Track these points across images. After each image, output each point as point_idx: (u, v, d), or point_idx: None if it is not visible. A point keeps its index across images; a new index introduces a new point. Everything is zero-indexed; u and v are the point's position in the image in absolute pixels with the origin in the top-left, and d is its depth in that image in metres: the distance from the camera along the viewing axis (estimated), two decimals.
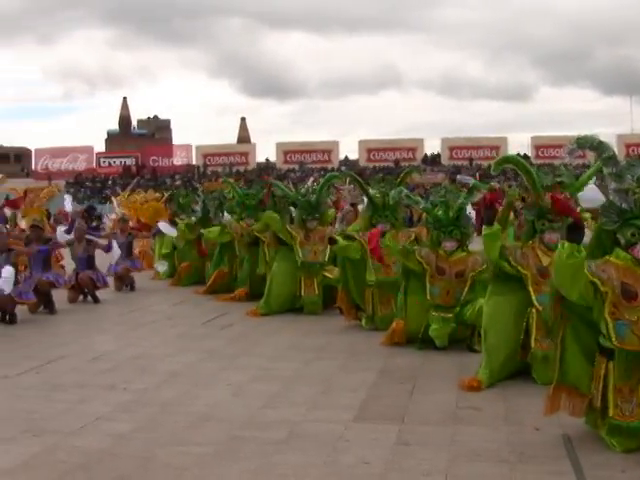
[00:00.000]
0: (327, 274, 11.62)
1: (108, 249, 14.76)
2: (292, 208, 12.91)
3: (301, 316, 11.73)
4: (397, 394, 7.11)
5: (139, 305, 13.64)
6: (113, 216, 23.15)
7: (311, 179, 19.77)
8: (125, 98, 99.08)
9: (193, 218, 16.48)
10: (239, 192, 14.68)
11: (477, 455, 5.38)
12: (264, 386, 7.46)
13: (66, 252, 15.16)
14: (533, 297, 7.31)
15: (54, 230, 16.41)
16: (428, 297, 8.88)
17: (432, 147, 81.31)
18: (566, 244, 5.58)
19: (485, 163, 74.00)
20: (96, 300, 13.68)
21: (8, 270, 11.08)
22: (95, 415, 6.50)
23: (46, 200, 20.21)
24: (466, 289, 8.84)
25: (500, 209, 8.54)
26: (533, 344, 7.25)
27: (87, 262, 13.97)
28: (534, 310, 7.29)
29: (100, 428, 6.17)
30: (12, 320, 11.32)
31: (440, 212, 9.10)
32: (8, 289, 11.00)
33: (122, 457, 5.47)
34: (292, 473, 5.09)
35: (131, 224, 17.65)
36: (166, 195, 22.05)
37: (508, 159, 7.98)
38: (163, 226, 16.76)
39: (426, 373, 7.94)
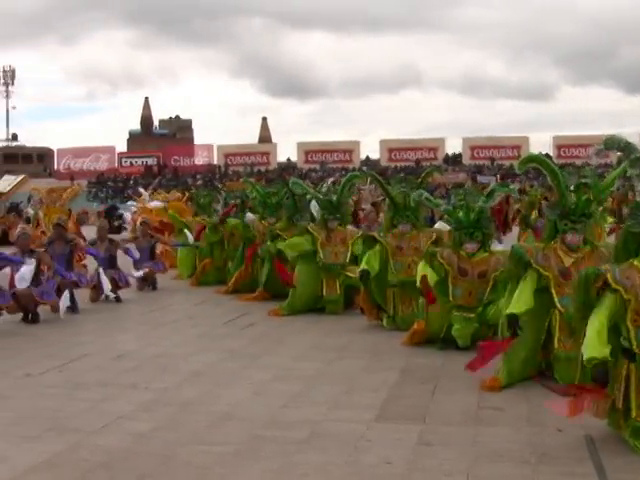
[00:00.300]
0: (349, 274, 11.60)
1: (127, 251, 14.87)
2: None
3: (323, 316, 11.72)
4: (419, 394, 7.10)
5: (161, 304, 13.68)
6: (133, 209, 23.24)
7: (331, 179, 19.71)
8: (147, 98, 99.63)
9: (215, 218, 16.48)
10: (260, 191, 14.70)
11: (499, 456, 5.36)
12: (285, 386, 7.47)
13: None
14: (555, 299, 7.25)
15: (78, 229, 16.53)
16: (450, 298, 8.86)
17: (453, 147, 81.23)
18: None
19: (507, 163, 73.91)
20: (118, 300, 13.73)
21: (28, 267, 11.18)
22: (117, 414, 6.53)
23: (69, 200, 20.34)
24: (488, 289, 8.82)
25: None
26: (556, 344, 7.22)
27: (109, 262, 14.03)
28: (557, 311, 7.25)
29: (122, 427, 6.19)
30: (35, 319, 11.38)
31: (461, 214, 9.08)
32: (22, 286, 11.07)
33: (144, 456, 5.49)
34: (313, 473, 5.09)
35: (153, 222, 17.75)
36: (187, 195, 22.17)
37: (533, 158, 7.93)
38: (190, 236, 16.89)
39: (448, 373, 7.92)
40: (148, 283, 15.52)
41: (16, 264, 11.17)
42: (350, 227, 12.58)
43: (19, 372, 8.17)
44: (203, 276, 16.16)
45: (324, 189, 12.97)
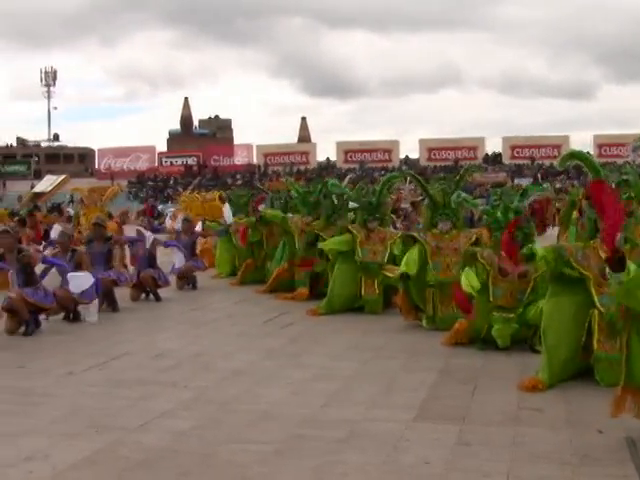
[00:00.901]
0: (388, 274, 11.58)
1: (167, 245, 15.00)
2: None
3: (361, 316, 11.72)
4: (458, 394, 7.07)
5: (201, 303, 13.75)
6: (172, 209, 23.40)
7: (347, 178, 19.52)
8: (187, 98, 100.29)
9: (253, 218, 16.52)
10: (300, 190, 14.74)
11: (538, 457, 5.32)
12: (324, 385, 7.47)
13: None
14: (595, 299, 7.19)
15: (119, 228, 16.64)
16: (491, 298, 8.82)
17: (493, 146, 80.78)
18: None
19: (547, 162, 73.41)
20: (158, 298, 13.81)
21: (88, 277, 11.43)
22: (157, 412, 6.57)
23: (109, 200, 20.48)
24: (529, 290, 8.77)
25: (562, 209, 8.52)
26: (596, 346, 7.16)
27: (148, 260, 14.12)
28: (596, 311, 7.19)
29: (162, 425, 6.23)
30: (76, 318, 11.49)
31: (499, 214, 9.04)
32: (77, 290, 11.23)
33: (183, 454, 5.52)
34: (352, 472, 5.09)
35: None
36: (223, 195, 22.28)
37: (574, 154, 7.84)
38: (226, 210, 17.00)
39: (487, 373, 7.89)
40: (188, 282, 15.61)
41: (61, 268, 11.27)
42: (390, 228, 12.53)
43: (61, 370, 8.25)
44: (245, 276, 16.20)
45: (363, 191, 12.92)
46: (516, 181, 50.69)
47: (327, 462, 5.28)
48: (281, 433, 5.95)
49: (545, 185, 11.87)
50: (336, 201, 13.50)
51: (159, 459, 5.41)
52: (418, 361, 8.55)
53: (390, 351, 9.13)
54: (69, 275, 11.20)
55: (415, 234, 10.72)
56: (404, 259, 10.39)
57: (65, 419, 6.43)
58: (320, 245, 12.60)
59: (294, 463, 5.28)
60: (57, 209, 24.36)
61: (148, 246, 14.17)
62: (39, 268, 11.14)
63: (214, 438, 5.85)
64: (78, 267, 11.75)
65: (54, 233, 15.84)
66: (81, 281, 11.28)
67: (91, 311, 11.53)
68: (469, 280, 8.87)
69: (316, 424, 6.19)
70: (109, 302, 12.54)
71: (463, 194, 10.57)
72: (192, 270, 15.64)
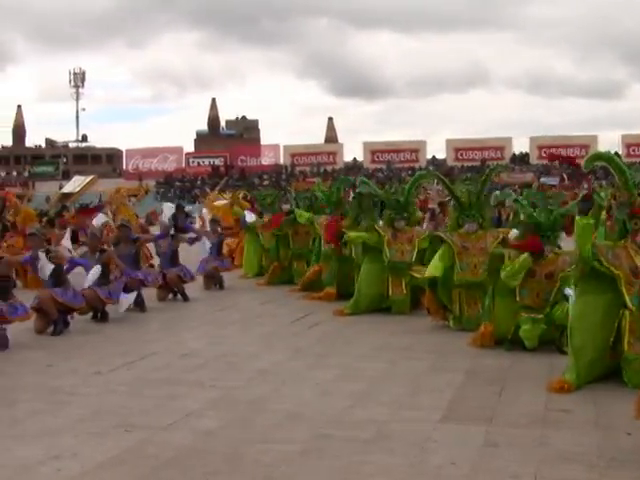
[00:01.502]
0: (415, 274, 11.56)
1: (192, 241, 15.07)
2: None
3: (388, 316, 11.71)
4: (485, 395, 7.05)
5: (228, 303, 13.77)
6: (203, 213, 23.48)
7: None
8: (214, 99, 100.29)
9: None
10: (324, 192, 14.76)
11: (566, 459, 5.30)
12: (351, 385, 7.47)
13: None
14: (626, 298, 7.13)
15: (143, 230, 16.74)
16: (517, 298, 8.80)
17: (520, 146, 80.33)
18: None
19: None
20: (186, 298, 13.87)
21: (96, 269, 11.45)
22: (184, 411, 6.59)
23: (138, 201, 20.55)
24: (555, 290, 8.74)
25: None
26: (626, 347, 7.11)
27: (172, 257, 14.19)
28: (627, 312, 7.13)
29: (189, 424, 6.25)
30: (104, 318, 11.56)
31: (542, 217, 9.02)
32: (86, 285, 11.36)
33: (211, 453, 5.53)
34: (379, 473, 5.09)
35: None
36: (248, 195, 22.38)
37: (600, 156, 7.79)
38: (249, 215, 17.07)
39: (514, 374, 7.86)
40: (215, 282, 15.65)
41: (86, 268, 11.34)
42: (417, 227, 12.47)
43: (89, 370, 8.30)
44: (273, 277, 16.22)
45: (392, 190, 12.90)
46: (542, 180, 50.34)
47: (353, 462, 5.28)
48: (307, 433, 5.95)
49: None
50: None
51: (186, 458, 5.44)
52: (445, 362, 8.54)
53: (417, 352, 9.11)
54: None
55: (442, 234, 10.69)
56: (431, 263, 10.38)
57: (93, 418, 6.47)
58: (346, 237, 12.58)
59: (320, 463, 5.28)
60: (86, 210, 24.46)
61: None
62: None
63: (241, 438, 5.87)
64: (106, 267, 11.82)
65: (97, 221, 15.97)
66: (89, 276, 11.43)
67: (122, 302, 11.68)
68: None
69: (342, 424, 6.19)
70: (136, 302, 12.59)
71: (514, 195, 10.54)
72: (218, 270, 15.68)
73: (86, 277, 11.35)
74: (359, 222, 13.17)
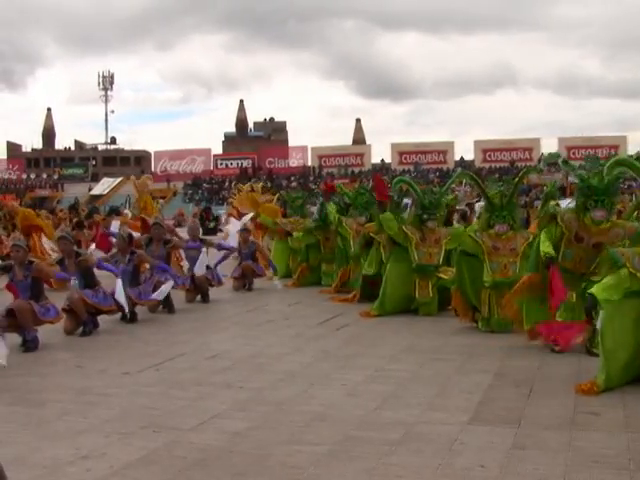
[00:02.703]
0: (442, 275, 11.53)
1: (220, 247, 15.15)
2: None
3: (416, 317, 11.69)
4: (513, 397, 7.02)
5: (255, 305, 13.80)
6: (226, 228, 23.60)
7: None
8: (242, 101, 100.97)
9: (312, 221, 16.48)
10: (349, 194, 14.75)
11: (595, 462, 5.26)
12: (379, 387, 7.46)
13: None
14: None
15: (170, 230, 16.84)
16: (559, 259, 8.72)
17: (549, 147, 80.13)
18: None
19: (604, 162, 72.61)
20: (205, 300, 13.94)
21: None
22: (212, 412, 6.61)
23: (166, 204, 20.63)
24: (597, 260, 8.58)
25: None
26: None
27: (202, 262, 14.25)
28: None
29: (217, 425, 6.26)
30: (132, 319, 11.61)
31: (595, 180, 8.71)
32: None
33: (238, 454, 5.54)
34: (407, 474, 5.08)
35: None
36: (277, 196, 22.45)
37: (620, 162, 7.73)
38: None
39: (543, 376, 7.81)
40: (244, 283, 15.69)
41: (114, 274, 11.39)
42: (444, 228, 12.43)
43: (117, 370, 8.35)
44: (301, 279, 16.26)
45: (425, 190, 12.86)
46: (570, 179, 50.10)
47: (381, 464, 5.27)
48: (335, 435, 5.95)
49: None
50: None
51: (214, 459, 5.45)
52: (473, 363, 8.50)
53: (445, 353, 9.09)
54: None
55: (472, 234, 10.66)
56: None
57: (121, 419, 6.50)
58: (376, 225, 12.63)
59: (348, 465, 5.27)
60: (115, 211, 24.63)
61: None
62: None
63: (269, 439, 5.87)
64: (138, 269, 11.89)
65: (113, 227, 16.09)
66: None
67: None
68: (544, 247, 8.76)
69: (371, 426, 6.18)
70: (165, 304, 12.65)
71: (563, 157, 10.47)
72: (250, 270, 15.73)
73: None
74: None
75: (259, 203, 19.93)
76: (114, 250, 12.78)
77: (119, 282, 11.01)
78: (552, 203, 9.54)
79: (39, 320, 9.82)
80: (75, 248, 11.32)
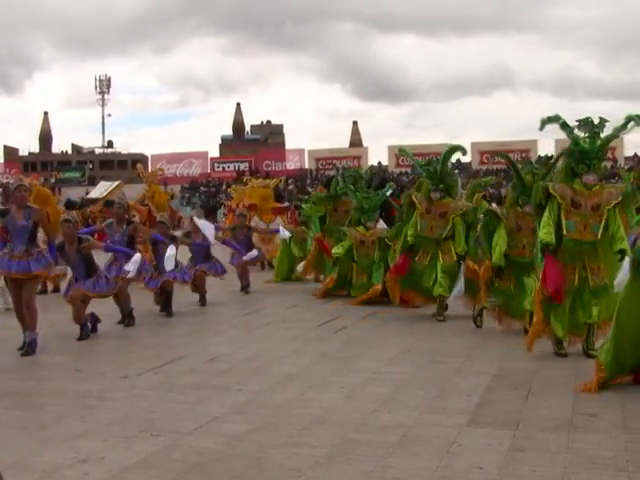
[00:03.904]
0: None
1: (224, 243, 15.35)
2: None
3: (415, 319, 11.72)
4: (511, 399, 7.02)
5: (253, 308, 13.81)
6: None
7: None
8: (239, 104, 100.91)
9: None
10: (358, 196, 14.74)
11: (594, 463, 5.26)
12: (378, 389, 7.47)
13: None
14: None
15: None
16: (564, 232, 8.64)
17: (546, 148, 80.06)
18: None
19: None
20: (203, 303, 13.97)
21: (137, 256, 11.64)
22: (211, 416, 6.61)
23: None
24: (602, 223, 8.54)
25: None
26: None
27: (204, 253, 14.40)
28: None
29: (215, 429, 6.26)
30: (130, 323, 11.63)
31: (587, 144, 8.69)
32: (133, 272, 11.46)
33: (237, 458, 5.54)
34: (405, 477, 5.08)
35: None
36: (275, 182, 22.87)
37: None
38: (282, 232, 17.20)
39: (541, 378, 7.82)
40: (242, 286, 15.73)
41: (124, 255, 11.35)
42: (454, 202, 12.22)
43: (116, 374, 8.34)
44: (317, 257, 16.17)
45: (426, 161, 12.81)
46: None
47: (380, 467, 5.27)
48: (334, 437, 5.95)
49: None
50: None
51: (213, 462, 5.45)
52: (472, 365, 8.51)
53: (443, 355, 9.10)
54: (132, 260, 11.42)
55: (498, 211, 10.61)
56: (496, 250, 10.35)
57: (120, 422, 6.49)
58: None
59: (346, 467, 5.28)
60: (111, 204, 24.87)
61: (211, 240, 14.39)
62: None
63: (267, 442, 5.87)
64: (132, 239, 11.86)
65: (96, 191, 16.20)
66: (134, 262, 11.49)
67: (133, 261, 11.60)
68: (542, 232, 8.63)
69: (369, 428, 6.19)
70: (164, 307, 12.65)
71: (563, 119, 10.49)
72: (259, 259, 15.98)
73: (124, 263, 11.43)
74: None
75: (269, 195, 20.27)
76: (109, 220, 12.76)
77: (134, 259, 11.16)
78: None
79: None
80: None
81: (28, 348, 9.46)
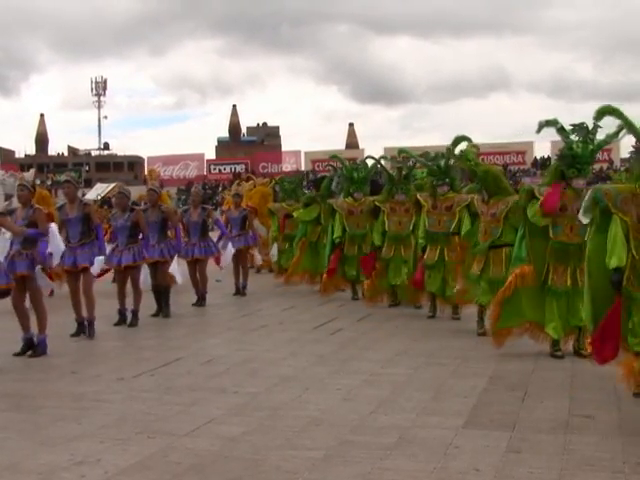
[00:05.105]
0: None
1: (217, 223, 15.92)
2: None
3: (412, 321, 11.73)
4: (508, 401, 7.03)
5: (250, 310, 13.81)
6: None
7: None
8: (235, 106, 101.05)
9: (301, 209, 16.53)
10: (347, 166, 14.71)
11: (590, 465, 5.26)
12: (374, 391, 7.47)
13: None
14: (632, 244, 6.79)
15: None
16: (551, 236, 8.69)
17: (542, 150, 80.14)
18: None
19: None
20: (202, 303, 14.00)
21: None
22: (207, 418, 6.60)
23: None
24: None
25: None
26: (625, 282, 6.79)
27: (202, 228, 14.41)
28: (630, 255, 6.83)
29: (212, 431, 6.26)
30: (122, 321, 11.66)
31: (580, 148, 8.70)
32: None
33: (233, 460, 5.54)
34: (402, 479, 5.08)
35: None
36: (273, 182, 22.72)
37: (611, 110, 7.64)
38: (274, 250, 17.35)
39: (538, 380, 7.83)
40: (239, 287, 15.71)
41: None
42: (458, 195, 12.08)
43: (113, 376, 8.34)
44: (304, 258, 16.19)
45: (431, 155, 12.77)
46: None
47: (376, 468, 5.27)
48: (331, 439, 5.95)
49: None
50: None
51: (210, 464, 5.44)
52: (468, 367, 8.52)
53: (440, 357, 9.10)
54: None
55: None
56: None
57: (116, 424, 6.49)
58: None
59: (343, 469, 5.27)
60: (107, 203, 24.85)
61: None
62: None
63: (264, 444, 5.87)
64: (135, 226, 11.84)
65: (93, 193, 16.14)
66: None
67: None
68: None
69: (366, 430, 6.19)
70: (161, 307, 12.65)
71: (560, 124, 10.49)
72: (247, 249, 16.36)
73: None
74: (393, 196, 13.14)
75: (269, 194, 20.31)
76: (114, 210, 12.85)
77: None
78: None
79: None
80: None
81: (38, 349, 9.50)
